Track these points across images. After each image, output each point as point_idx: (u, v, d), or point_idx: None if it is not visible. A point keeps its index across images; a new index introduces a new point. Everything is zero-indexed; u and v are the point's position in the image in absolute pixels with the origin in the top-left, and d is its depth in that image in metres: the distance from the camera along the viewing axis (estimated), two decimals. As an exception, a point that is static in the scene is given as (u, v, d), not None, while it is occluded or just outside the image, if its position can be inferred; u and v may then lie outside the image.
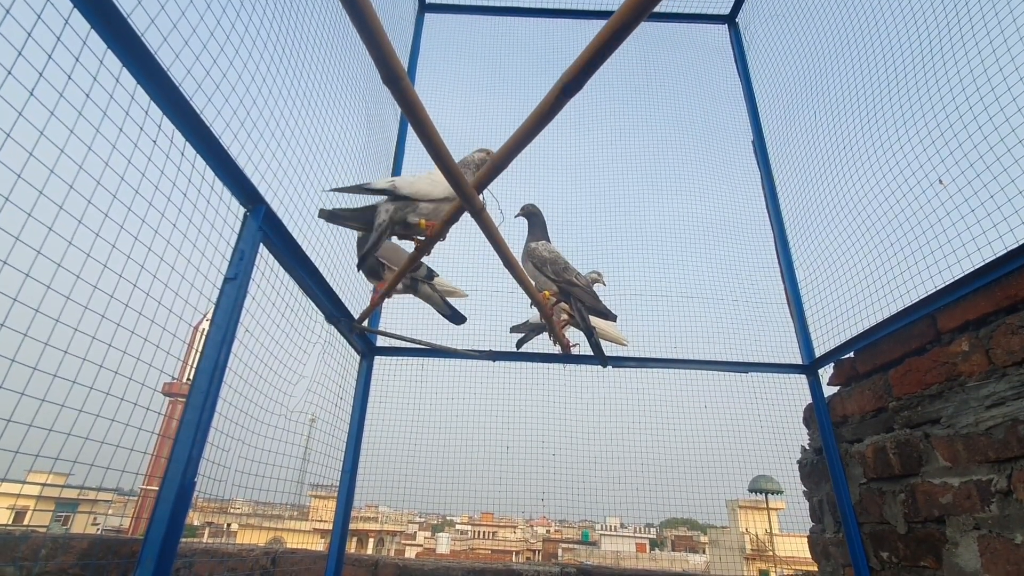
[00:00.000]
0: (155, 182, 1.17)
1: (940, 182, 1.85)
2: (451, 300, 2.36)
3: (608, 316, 2.08)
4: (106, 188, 1.06)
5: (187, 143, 1.24)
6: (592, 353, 2.45)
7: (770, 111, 3.20)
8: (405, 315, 2.79)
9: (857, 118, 2.45)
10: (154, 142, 1.16)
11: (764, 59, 3.29)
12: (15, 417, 0.93)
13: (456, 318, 2.35)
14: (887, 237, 2.17)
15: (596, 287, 2.45)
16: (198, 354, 1.35)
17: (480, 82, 3.70)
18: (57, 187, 0.98)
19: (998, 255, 1.65)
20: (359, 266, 2.00)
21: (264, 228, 1.49)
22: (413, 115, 1.00)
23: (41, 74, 0.98)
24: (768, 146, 3.17)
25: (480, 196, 1.31)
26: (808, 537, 2.73)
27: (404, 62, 3.41)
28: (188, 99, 1.21)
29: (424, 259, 1.86)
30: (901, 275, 2.05)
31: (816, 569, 2.66)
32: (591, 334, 2.13)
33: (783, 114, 3.06)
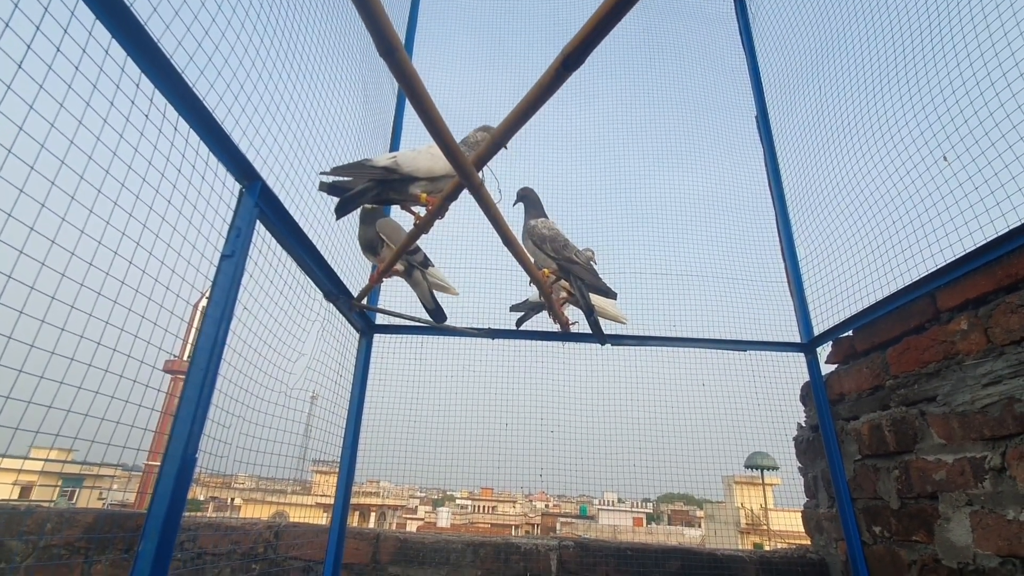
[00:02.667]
0: (148, 157, 1.15)
1: (944, 159, 1.83)
2: (442, 296, 2.32)
3: (608, 294, 2.07)
4: (98, 163, 1.04)
5: (180, 117, 1.22)
6: (591, 331, 2.45)
7: (774, 86, 3.15)
8: (405, 294, 2.79)
9: (863, 93, 2.40)
10: (146, 116, 1.14)
11: (769, 31, 3.22)
12: (22, 395, 0.94)
13: (438, 315, 2.29)
14: (889, 215, 2.15)
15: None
16: (197, 331, 1.35)
17: (480, 56, 3.63)
18: (48, 162, 0.97)
19: (1000, 233, 1.63)
20: (337, 212, 1.95)
21: (260, 205, 1.47)
22: (410, 88, 0.98)
23: (29, 46, 0.95)
24: (772, 122, 3.12)
25: (479, 173, 1.29)
26: (802, 512, 2.78)
27: (401, 34, 3.33)
28: (180, 72, 1.19)
29: (424, 237, 1.85)
30: (902, 253, 2.04)
31: (809, 543, 2.72)
32: (590, 312, 2.12)
33: (787, 89, 3.01)
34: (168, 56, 1.17)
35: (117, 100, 1.11)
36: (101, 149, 1.05)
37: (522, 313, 2.66)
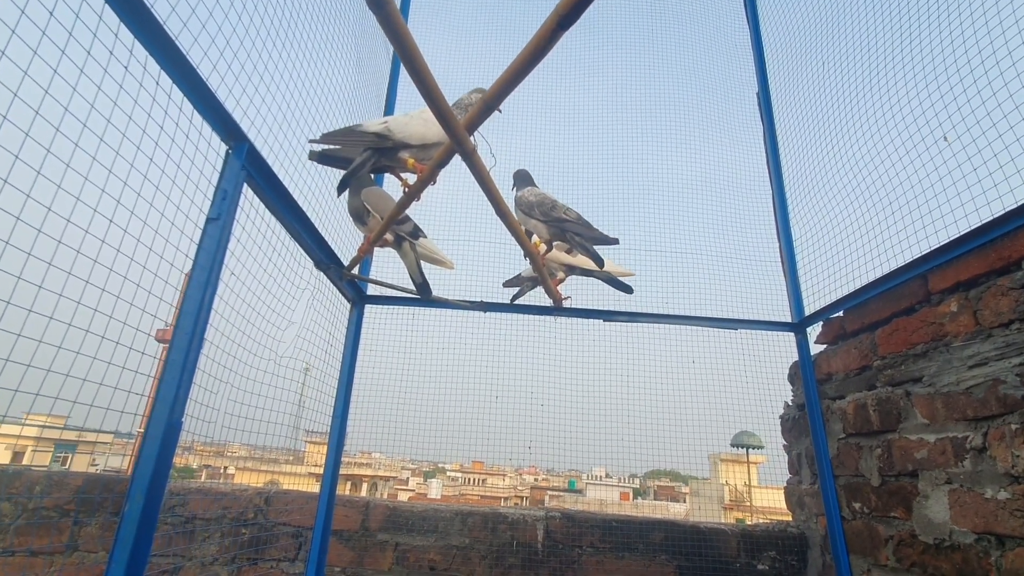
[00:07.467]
0: (128, 112, 1.11)
1: (945, 139, 1.81)
2: (437, 271, 2.26)
3: (608, 241, 2.00)
4: (75, 115, 1.00)
5: (162, 71, 1.17)
6: (613, 286, 2.40)
7: (777, 61, 3.08)
8: (397, 264, 2.76)
9: (866, 69, 2.36)
10: (126, 68, 1.10)
11: (774, 3, 3.14)
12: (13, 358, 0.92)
13: (424, 290, 2.20)
14: (885, 196, 2.14)
15: None
16: (182, 295, 1.33)
17: (477, 22, 3.53)
18: (23, 114, 0.93)
19: (996, 215, 1.63)
20: (339, 189, 1.91)
21: (247, 167, 1.43)
22: (401, 45, 0.94)
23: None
24: (773, 99, 3.07)
25: (471, 138, 1.25)
26: (785, 488, 2.83)
27: (397, -2, 3.23)
28: (162, 23, 1.14)
29: (415, 206, 1.81)
30: (897, 235, 2.04)
31: (790, 518, 2.78)
32: (601, 263, 2.05)
33: (790, 65, 2.95)
34: (150, 6, 1.11)
35: (95, 51, 1.06)
36: (78, 101, 1.01)
37: (517, 288, 2.65)
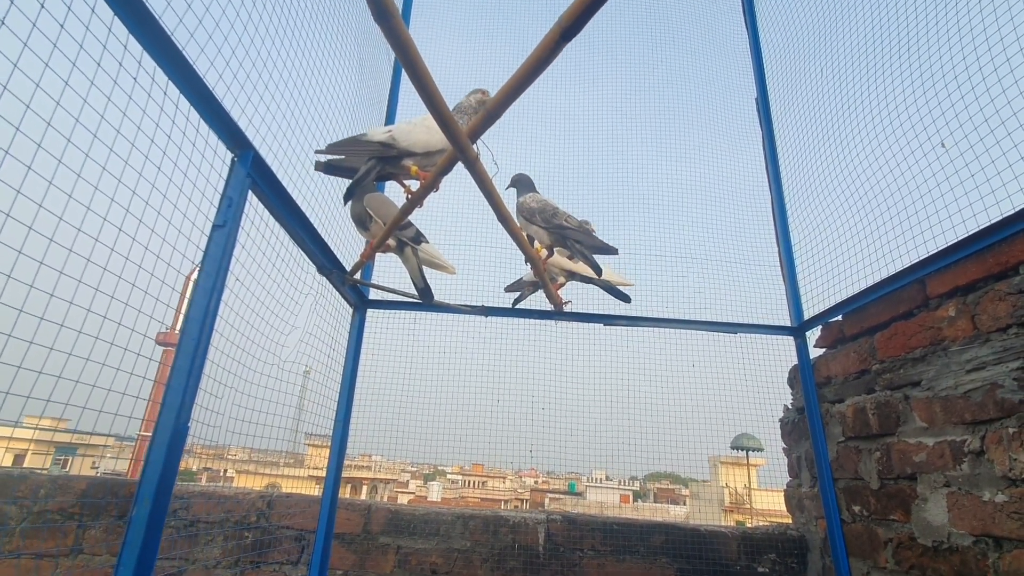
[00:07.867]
0: (137, 122, 1.13)
1: (942, 145, 1.82)
2: (439, 275, 2.27)
3: (608, 250, 2.02)
4: (85, 126, 1.02)
5: (170, 82, 1.19)
6: (613, 295, 2.42)
7: (776, 67, 3.11)
8: (398, 269, 2.78)
9: (864, 76, 2.38)
10: (135, 79, 1.11)
11: (772, 9, 3.17)
12: (12, 360, 0.93)
13: (426, 294, 2.21)
14: (884, 201, 2.15)
15: None
16: (189, 302, 1.35)
17: (477, 28, 3.56)
18: (34, 124, 0.95)
19: (994, 221, 1.64)
20: (345, 198, 1.95)
21: (252, 175, 1.45)
22: (405, 55, 0.96)
23: (12, 1, 0.92)
24: (771, 104, 3.09)
25: (474, 146, 1.27)
26: (785, 491, 2.84)
27: (398, 1, 3.25)
28: (170, 34, 1.15)
29: (417, 211, 1.83)
30: (895, 240, 2.05)
31: (790, 521, 2.79)
32: (599, 271, 2.06)
33: (789, 71, 2.97)
34: (158, 18, 1.13)
35: (106, 62, 1.08)
36: (88, 111, 1.03)
37: (518, 293, 2.66)
